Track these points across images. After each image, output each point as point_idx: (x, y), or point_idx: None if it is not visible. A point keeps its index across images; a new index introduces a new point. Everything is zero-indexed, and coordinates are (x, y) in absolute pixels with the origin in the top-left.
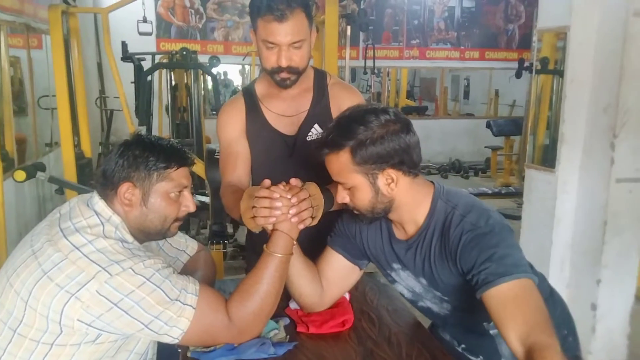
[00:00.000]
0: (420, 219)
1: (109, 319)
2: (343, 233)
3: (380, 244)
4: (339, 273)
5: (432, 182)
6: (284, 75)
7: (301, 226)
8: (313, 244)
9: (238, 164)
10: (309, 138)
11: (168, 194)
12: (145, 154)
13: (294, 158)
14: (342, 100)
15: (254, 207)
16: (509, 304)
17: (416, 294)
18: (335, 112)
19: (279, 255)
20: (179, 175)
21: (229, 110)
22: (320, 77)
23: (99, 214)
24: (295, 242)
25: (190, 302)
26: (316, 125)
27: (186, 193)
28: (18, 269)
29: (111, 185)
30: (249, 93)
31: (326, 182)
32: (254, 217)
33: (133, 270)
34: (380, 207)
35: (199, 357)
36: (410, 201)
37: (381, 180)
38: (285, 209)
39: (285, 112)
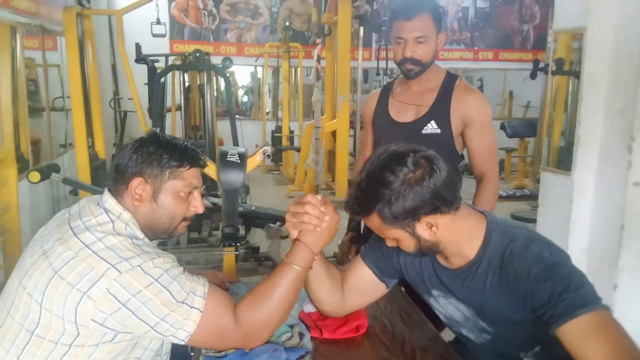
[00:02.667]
0: (471, 253)
1: (119, 317)
2: (378, 248)
3: (419, 269)
4: (365, 287)
5: (483, 213)
6: (408, 65)
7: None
8: None
9: (368, 148)
10: (424, 131)
11: (178, 192)
12: (159, 151)
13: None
14: (466, 104)
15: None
16: (592, 336)
17: (454, 320)
18: (455, 114)
19: (297, 267)
20: (191, 175)
21: (367, 99)
22: (450, 80)
23: (108, 212)
24: (316, 257)
25: (197, 305)
26: (433, 122)
27: (196, 194)
28: (29, 270)
29: (123, 179)
30: (387, 86)
31: None
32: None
33: (142, 269)
34: (427, 249)
35: None
36: (458, 238)
37: (420, 229)
38: (313, 219)
39: (409, 102)
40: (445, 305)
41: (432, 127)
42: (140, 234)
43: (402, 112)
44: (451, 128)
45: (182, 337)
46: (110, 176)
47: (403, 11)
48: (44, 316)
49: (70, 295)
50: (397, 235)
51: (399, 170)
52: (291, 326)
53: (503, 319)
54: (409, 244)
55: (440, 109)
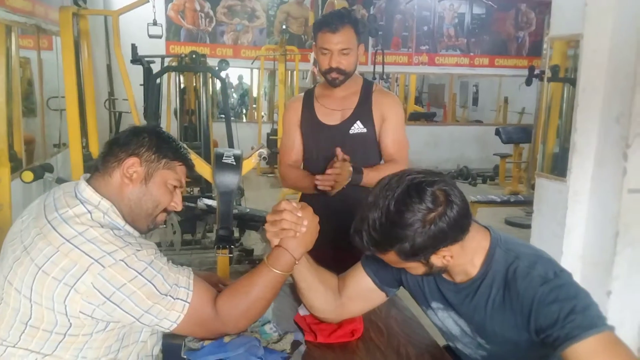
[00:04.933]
0: (473, 269)
1: (106, 310)
2: (379, 259)
3: (420, 280)
4: (363, 294)
5: (486, 228)
6: (334, 75)
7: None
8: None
9: (292, 152)
10: (352, 131)
11: (167, 182)
12: (159, 141)
13: (334, 143)
14: (384, 106)
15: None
16: (599, 358)
17: (451, 334)
18: (376, 114)
19: (276, 271)
20: (182, 171)
21: (290, 103)
22: (367, 85)
23: (85, 202)
24: (302, 259)
25: (181, 296)
26: (359, 122)
27: (179, 192)
28: (13, 266)
29: (117, 157)
30: (309, 92)
31: (362, 161)
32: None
33: (125, 263)
34: (436, 273)
35: (189, 356)
36: (464, 260)
37: (435, 259)
38: (292, 225)
39: (334, 107)
40: (444, 319)
41: (358, 127)
42: (121, 222)
43: (329, 115)
44: (375, 126)
45: (166, 326)
46: (102, 154)
47: (329, 24)
48: (35, 309)
49: (57, 289)
50: (409, 266)
51: (418, 209)
52: (284, 334)
53: (503, 337)
54: (418, 270)
55: (363, 110)
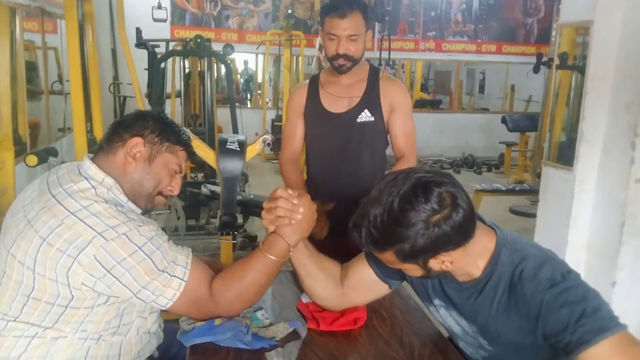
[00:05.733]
0: (478, 270)
1: (106, 283)
2: None
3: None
4: (366, 285)
5: (492, 227)
6: (341, 61)
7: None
8: None
9: (294, 140)
10: (359, 120)
11: (169, 165)
12: (162, 125)
13: (340, 132)
14: (391, 94)
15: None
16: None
17: (452, 332)
18: (384, 102)
19: (271, 257)
20: (183, 157)
21: (295, 90)
22: (374, 72)
23: (89, 179)
24: (300, 246)
25: (178, 274)
26: (366, 110)
27: (178, 177)
28: (16, 239)
29: (121, 137)
30: (314, 79)
31: (368, 150)
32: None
33: (127, 237)
34: (432, 277)
35: (181, 338)
36: (465, 263)
37: (433, 263)
38: (287, 213)
39: (341, 94)
40: (445, 317)
41: (366, 116)
42: (124, 199)
43: (335, 103)
44: (382, 115)
45: (162, 303)
46: (106, 135)
47: (336, 9)
48: (37, 281)
49: (61, 260)
50: (406, 267)
51: (423, 209)
52: (279, 322)
53: (506, 339)
54: (415, 273)
55: (371, 98)
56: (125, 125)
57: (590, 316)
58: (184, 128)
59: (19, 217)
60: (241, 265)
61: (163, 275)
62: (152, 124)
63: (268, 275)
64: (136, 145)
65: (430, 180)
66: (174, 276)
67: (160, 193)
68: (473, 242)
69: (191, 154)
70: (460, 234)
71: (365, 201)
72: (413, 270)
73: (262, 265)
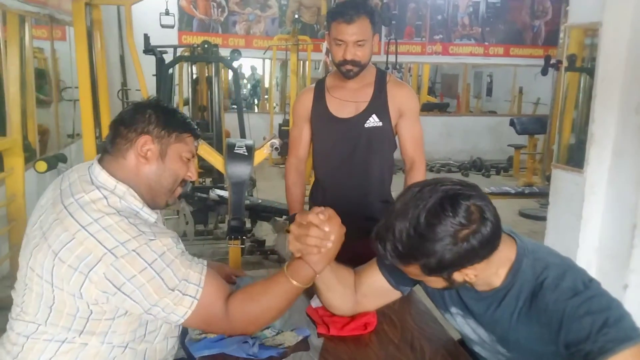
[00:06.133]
0: (497, 280)
1: (118, 300)
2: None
3: None
4: (378, 293)
5: (512, 236)
6: (348, 67)
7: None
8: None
9: (301, 145)
10: (367, 125)
11: (181, 155)
12: (165, 115)
13: (348, 137)
14: (400, 98)
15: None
16: None
17: (469, 339)
18: (392, 107)
19: (295, 283)
20: (191, 142)
21: (301, 95)
22: (381, 76)
23: (101, 187)
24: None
25: (190, 292)
26: (374, 115)
27: (193, 162)
28: (33, 252)
29: (126, 138)
30: (320, 83)
31: (377, 155)
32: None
33: (137, 254)
34: (454, 287)
35: (189, 346)
36: (487, 273)
37: (457, 276)
38: (318, 242)
39: (348, 99)
40: (462, 325)
41: (374, 121)
42: (139, 204)
43: (342, 108)
44: (390, 120)
45: (174, 320)
46: (110, 137)
47: (343, 14)
48: (57, 295)
49: (73, 278)
50: (429, 279)
51: (450, 224)
52: (294, 331)
53: (527, 348)
54: (437, 284)
55: (379, 103)
56: (126, 124)
57: (613, 326)
58: (182, 113)
59: (35, 229)
60: (261, 288)
61: (174, 294)
62: (154, 117)
63: (289, 301)
64: (145, 143)
65: (458, 193)
66: (186, 295)
67: (181, 183)
68: (496, 252)
69: (197, 137)
70: (487, 248)
71: (389, 213)
72: (435, 282)
73: (284, 291)
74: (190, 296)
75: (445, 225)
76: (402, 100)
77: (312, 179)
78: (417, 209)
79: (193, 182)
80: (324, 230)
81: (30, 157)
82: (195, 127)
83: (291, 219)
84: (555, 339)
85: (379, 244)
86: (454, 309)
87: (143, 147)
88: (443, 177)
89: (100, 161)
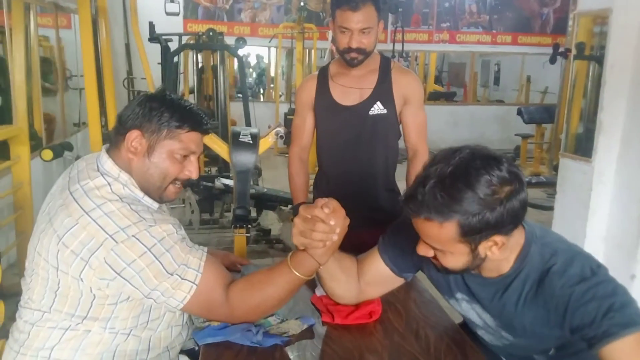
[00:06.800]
0: (506, 266)
1: (118, 285)
2: (397, 245)
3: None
4: (382, 281)
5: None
6: (353, 55)
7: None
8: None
9: (304, 134)
10: (371, 112)
11: (173, 153)
12: (161, 109)
13: (352, 125)
14: (404, 85)
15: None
16: (637, 356)
17: (472, 323)
18: (397, 94)
19: (297, 274)
20: (189, 138)
21: (304, 83)
22: (385, 62)
23: (105, 174)
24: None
25: (189, 277)
26: (379, 103)
27: (193, 158)
28: (40, 237)
29: (122, 131)
30: (323, 70)
31: (381, 142)
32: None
33: (137, 239)
34: (470, 268)
35: (194, 335)
36: (502, 256)
37: (484, 246)
38: (324, 236)
39: (352, 86)
40: (468, 310)
41: (378, 108)
42: (140, 193)
43: (346, 95)
44: (395, 107)
45: (173, 304)
46: (114, 126)
47: (349, 1)
48: (62, 278)
49: (74, 264)
50: (455, 250)
51: (496, 176)
52: (300, 320)
53: (532, 332)
54: (459, 259)
55: (383, 90)
56: (124, 117)
57: (618, 311)
58: (194, 104)
59: (44, 215)
60: (264, 277)
61: (173, 278)
62: (149, 111)
63: (291, 291)
64: (135, 138)
65: (498, 155)
66: (185, 279)
67: (173, 182)
68: (511, 236)
69: (203, 132)
70: (521, 215)
71: (425, 167)
72: (459, 255)
73: (286, 282)
74: (189, 281)
75: (492, 176)
76: (407, 87)
77: (317, 169)
78: (460, 156)
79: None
80: (329, 225)
81: (36, 145)
82: (202, 121)
83: (295, 210)
84: (561, 323)
85: (411, 199)
86: (459, 295)
87: (132, 142)
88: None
89: (108, 150)
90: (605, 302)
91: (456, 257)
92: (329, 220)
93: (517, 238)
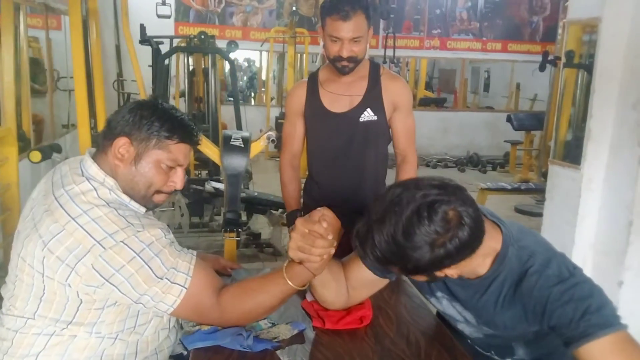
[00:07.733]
0: (483, 269)
1: (106, 291)
2: None
3: None
4: (367, 284)
5: (497, 224)
6: (344, 63)
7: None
8: None
9: (295, 141)
10: (362, 119)
11: (160, 163)
12: (152, 118)
13: (343, 132)
14: (394, 92)
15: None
16: (612, 356)
17: (452, 318)
18: (387, 100)
19: (292, 285)
20: (178, 149)
21: (293, 90)
22: (375, 69)
23: (91, 179)
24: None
25: (179, 281)
26: (369, 109)
27: (179, 170)
28: (24, 242)
29: (111, 136)
30: (313, 77)
31: (372, 149)
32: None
33: (125, 244)
34: (437, 281)
35: (183, 340)
36: (471, 266)
37: (439, 273)
38: (323, 252)
39: (342, 93)
40: (448, 307)
41: (369, 115)
42: (126, 198)
43: (336, 102)
44: (385, 114)
45: (163, 309)
46: (102, 130)
47: (339, 10)
48: (47, 284)
49: (60, 270)
50: (410, 276)
51: (426, 232)
52: (290, 325)
53: (512, 328)
54: (420, 279)
55: (373, 97)
56: (114, 122)
57: (595, 312)
58: (185, 114)
59: (27, 221)
60: (257, 285)
61: (162, 282)
62: (139, 118)
63: (283, 300)
64: (122, 145)
65: (436, 200)
66: (175, 283)
67: (158, 192)
68: (479, 249)
69: (192, 144)
70: (466, 251)
71: (369, 215)
72: (418, 278)
73: (280, 291)
74: (179, 285)
75: (422, 234)
76: (397, 94)
77: (307, 173)
78: (396, 216)
79: (189, 175)
80: (328, 240)
81: (24, 146)
82: (192, 133)
83: (289, 218)
84: (540, 321)
85: (359, 245)
86: (439, 294)
87: (120, 149)
88: (426, 178)
89: (93, 154)
90: (582, 304)
91: (417, 279)
92: (327, 235)
93: (493, 242)
